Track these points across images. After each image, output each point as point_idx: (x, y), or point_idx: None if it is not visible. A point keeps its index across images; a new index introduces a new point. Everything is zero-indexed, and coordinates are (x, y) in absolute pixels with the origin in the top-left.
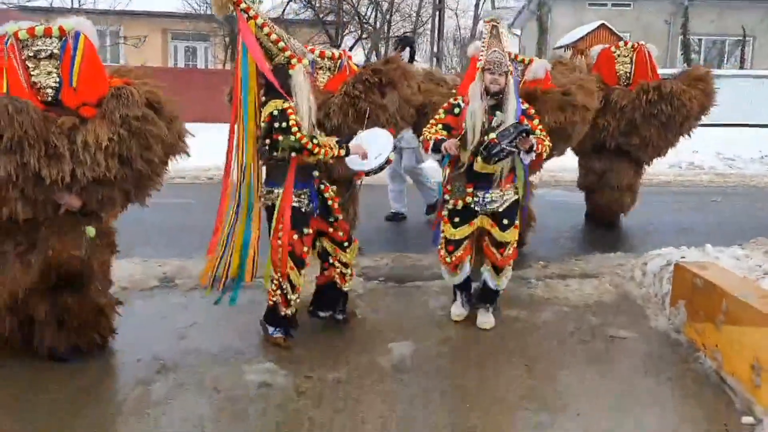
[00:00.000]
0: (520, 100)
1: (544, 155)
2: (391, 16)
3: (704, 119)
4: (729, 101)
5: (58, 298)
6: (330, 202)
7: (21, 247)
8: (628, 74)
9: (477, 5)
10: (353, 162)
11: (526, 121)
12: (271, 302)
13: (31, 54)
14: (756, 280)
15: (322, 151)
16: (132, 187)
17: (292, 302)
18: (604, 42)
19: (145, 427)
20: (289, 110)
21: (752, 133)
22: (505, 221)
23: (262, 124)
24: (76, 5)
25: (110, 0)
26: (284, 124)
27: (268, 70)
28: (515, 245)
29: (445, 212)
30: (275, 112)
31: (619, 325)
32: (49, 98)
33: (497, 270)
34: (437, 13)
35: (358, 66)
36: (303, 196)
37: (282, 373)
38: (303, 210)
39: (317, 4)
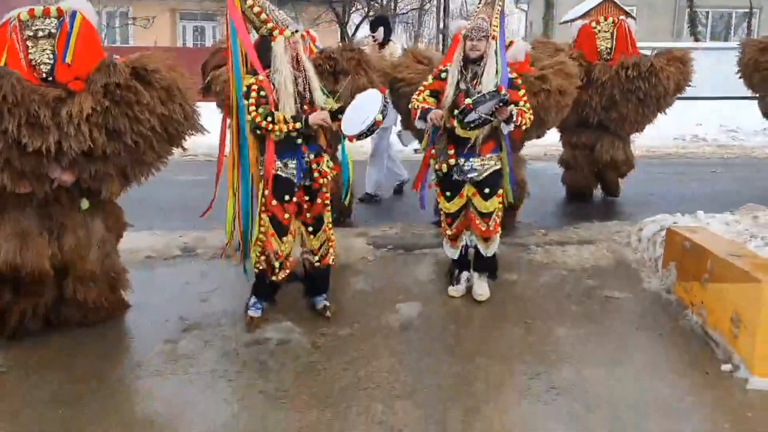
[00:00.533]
0: (508, 69)
1: (524, 127)
2: None
3: (710, 92)
4: (735, 74)
5: (65, 282)
6: (315, 174)
7: (42, 228)
8: (609, 49)
9: None
10: (344, 128)
11: (504, 90)
12: (257, 269)
13: (31, 34)
14: (743, 243)
15: (276, 128)
16: (127, 162)
17: (277, 269)
18: (612, 14)
19: (176, 375)
20: (253, 87)
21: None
22: (487, 190)
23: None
24: None
25: None
26: (246, 102)
27: (250, 45)
28: (500, 215)
29: (433, 178)
30: (244, 89)
31: (614, 286)
32: (44, 74)
33: (486, 242)
34: None
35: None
36: (289, 165)
37: (298, 330)
38: (286, 177)
39: None
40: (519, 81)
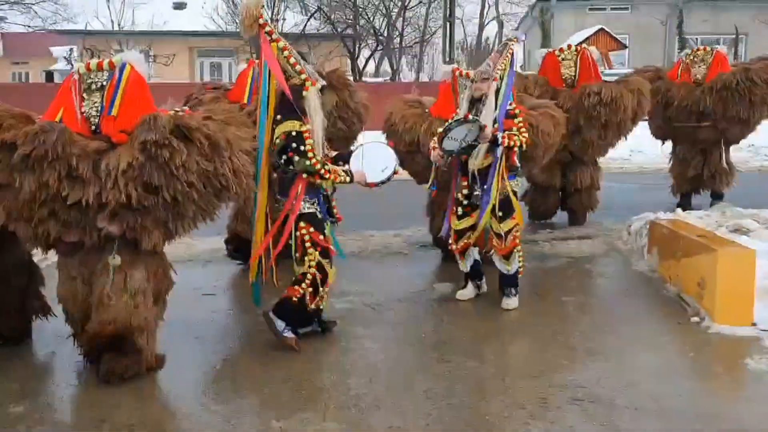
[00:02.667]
0: (508, 102)
1: (515, 149)
2: (403, 29)
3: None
4: None
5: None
6: (336, 211)
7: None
8: (572, 77)
9: (481, 13)
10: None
11: (473, 117)
12: (295, 298)
13: (86, 87)
14: (710, 230)
15: (332, 176)
16: (167, 215)
17: (321, 296)
18: (604, 45)
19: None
20: (306, 133)
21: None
22: (500, 213)
23: (277, 140)
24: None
25: (144, 21)
26: (302, 147)
27: (289, 92)
28: (517, 233)
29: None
30: (294, 132)
31: (608, 268)
32: (93, 127)
33: (505, 257)
34: (447, 24)
35: None
36: (315, 204)
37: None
38: (318, 215)
39: (336, 19)
40: (516, 111)
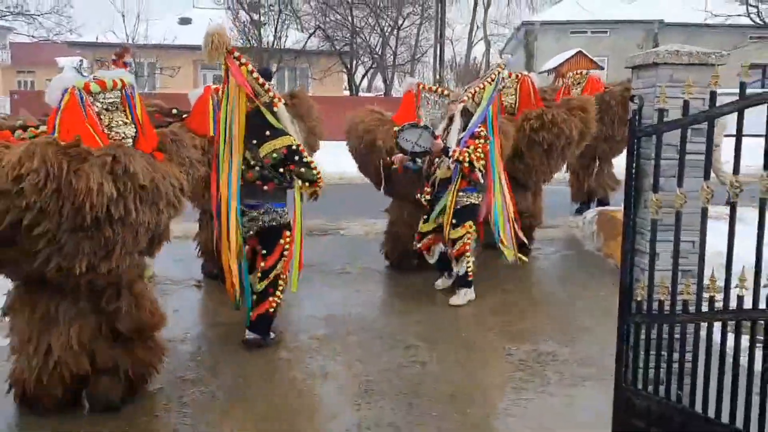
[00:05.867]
0: (479, 123)
1: (465, 164)
2: (396, 47)
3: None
4: None
5: (116, 349)
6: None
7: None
8: (513, 105)
9: (470, 34)
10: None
11: (424, 124)
12: (271, 309)
13: (105, 106)
14: None
15: (322, 182)
16: None
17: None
18: (582, 66)
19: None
20: (301, 147)
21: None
22: (454, 221)
23: (274, 155)
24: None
25: (155, 35)
26: (304, 159)
27: (265, 105)
28: (466, 240)
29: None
30: (294, 146)
31: (566, 249)
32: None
33: (456, 259)
34: (437, 45)
35: None
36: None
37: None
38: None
39: (334, 38)
40: (482, 133)
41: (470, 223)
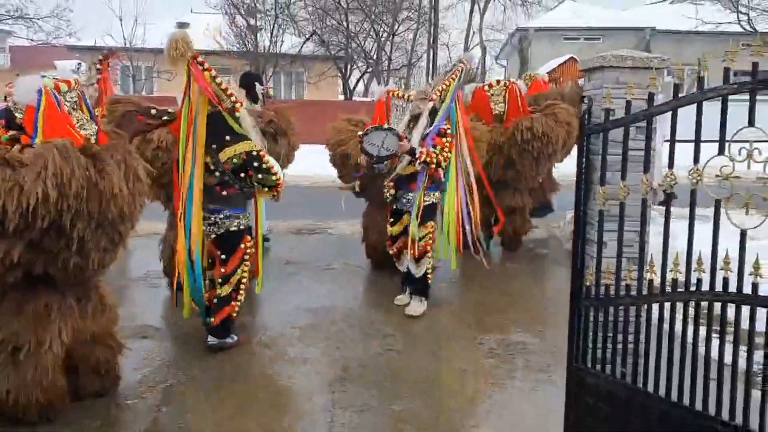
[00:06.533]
0: (444, 120)
1: (433, 166)
2: (391, 52)
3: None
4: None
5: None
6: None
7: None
8: (502, 113)
9: (466, 38)
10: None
11: (387, 125)
12: (234, 313)
13: (72, 105)
14: None
15: (282, 186)
16: None
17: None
18: (573, 72)
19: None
20: (262, 152)
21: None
22: (419, 220)
23: (235, 160)
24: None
25: (153, 39)
26: (264, 165)
27: (227, 110)
28: (428, 241)
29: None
30: (254, 152)
31: (546, 248)
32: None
33: (416, 260)
34: (431, 51)
35: None
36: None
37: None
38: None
39: (329, 42)
40: (448, 130)
41: (432, 222)
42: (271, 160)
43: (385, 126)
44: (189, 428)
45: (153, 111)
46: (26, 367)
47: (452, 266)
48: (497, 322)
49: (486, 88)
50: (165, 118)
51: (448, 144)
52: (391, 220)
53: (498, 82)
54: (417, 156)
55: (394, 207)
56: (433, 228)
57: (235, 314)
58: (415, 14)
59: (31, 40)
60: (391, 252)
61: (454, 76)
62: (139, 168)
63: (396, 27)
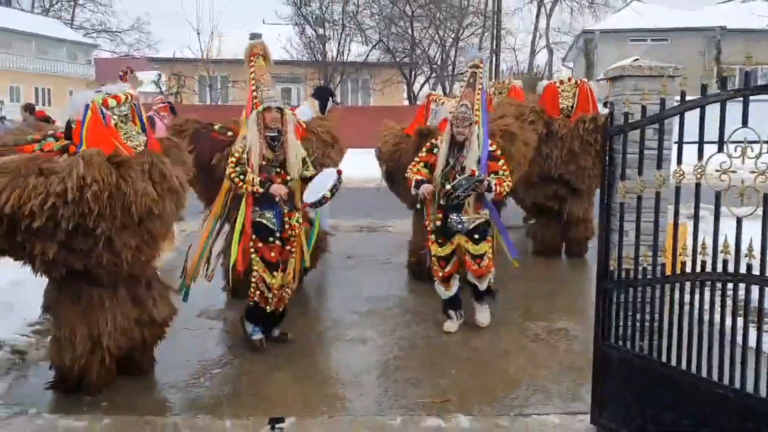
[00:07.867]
0: (489, 141)
1: (504, 192)
2: (456, 57)
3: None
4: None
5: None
6: (287, 226)
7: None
8: (570, 107)
9: (533, 41)
10: (305, 196)
11: (478, 172)
12: (252, 302)
13: (120, 118)
14: None
15: (243, 185)
16: None
17: (270, 299)
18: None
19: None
20: (240, 147)
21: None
22: (476, 236)
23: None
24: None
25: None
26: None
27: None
28: (490, 256)
29: (429, 235)
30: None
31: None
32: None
33: (479, 279)
34: (494, 55)
35: None
36: (267, 215)
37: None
38: (268, 226)
39: (394, 49)
40: (498, 152)
41: (489, 237)
42: (238, 156)
43: (469, 176)
44: (261, 392)
45: (216, 126)
46: (81, 350)
47: (514, 265)
48: (543, 310)
49: (557, 84)
50: (230, 134)
51: (504, 166)
52: (440, 241)
53: (569, 79)
54: (493, 190)
55: (444, 227)
56: (490, 244)
57: (252, 303)
58: (480, 19)
59: (114, 52)
60: (440, 274)
61: (479, 90)
62: (167, 171)
63: (461, 32)
